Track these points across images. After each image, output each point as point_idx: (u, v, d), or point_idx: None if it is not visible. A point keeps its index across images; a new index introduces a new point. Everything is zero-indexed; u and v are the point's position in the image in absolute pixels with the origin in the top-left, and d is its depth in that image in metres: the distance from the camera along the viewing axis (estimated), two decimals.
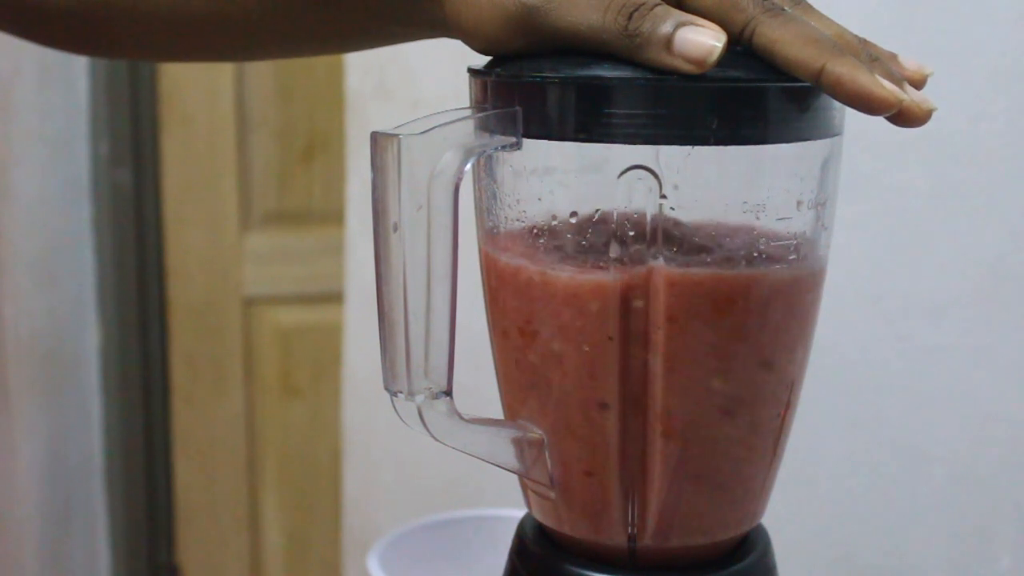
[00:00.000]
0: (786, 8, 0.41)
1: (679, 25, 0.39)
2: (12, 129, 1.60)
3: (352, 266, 1.23)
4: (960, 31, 0.81)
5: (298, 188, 1.84)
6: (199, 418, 1.88)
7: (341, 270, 1.27)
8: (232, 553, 1.92)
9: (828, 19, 0.42)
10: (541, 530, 0.49)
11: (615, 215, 0.42)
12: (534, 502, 0.48)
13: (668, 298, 0.42)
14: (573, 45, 0.41)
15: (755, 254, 0.43)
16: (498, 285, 0.46)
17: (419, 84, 1.12)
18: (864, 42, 0.43)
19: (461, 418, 0.44)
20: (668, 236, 0.42)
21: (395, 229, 0.41)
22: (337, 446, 1.34)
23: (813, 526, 0.90)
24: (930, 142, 0.82)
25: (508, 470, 0.46)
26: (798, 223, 0.44)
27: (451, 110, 0.42)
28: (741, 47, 0.41)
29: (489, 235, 0.46)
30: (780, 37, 0.40)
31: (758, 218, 0.43)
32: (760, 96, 0.41)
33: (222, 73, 1.79)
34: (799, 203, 0.44)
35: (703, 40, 0.39)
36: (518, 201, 0.45)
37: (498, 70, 0.44)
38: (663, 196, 0.42)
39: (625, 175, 0.42)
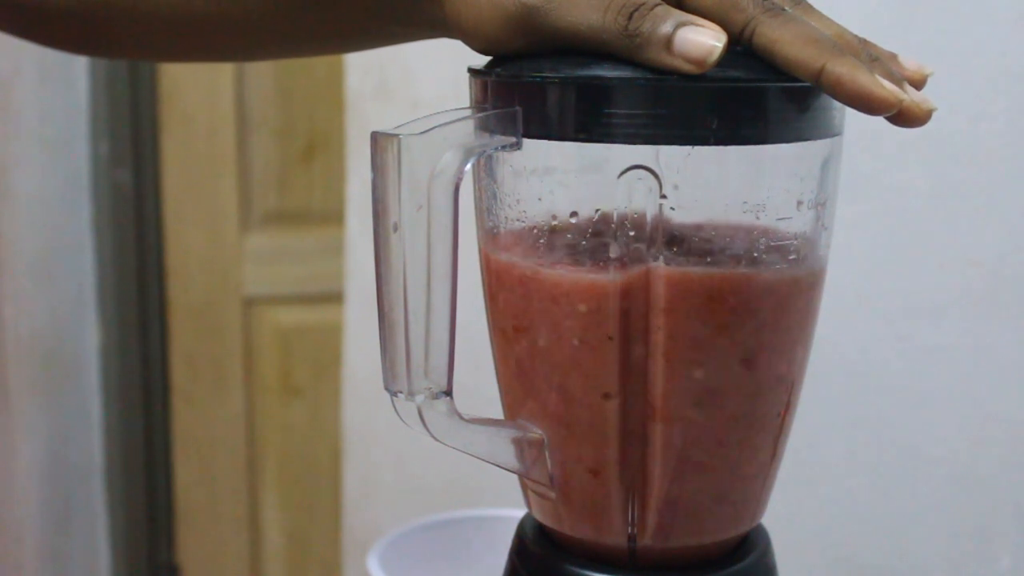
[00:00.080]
0: (786, 8, 0.41)
1: (679, 25, 0.39)
2: (12, 129, 1.60)
3: (352, 266, 1.23)
4: (960, 31, 0.81)
5: (298, 188, 1.84)
6: (199, 418, 1.88)
7: (341, 270, 1.27)
8: (232, 553, 1.92)
9: (828, 19, 0.42)
10: (541, 530, 0.49)
11: (615, 215, 0.42)
12: (534, 502, 0.48)
13: (668, 298, 0.42)
14: (573, 45, 0.41)
15: (755, 254, 0.43)
16: (498, 285, 0.46)
17: (419, 84, 1.12)
18: (864, 42, 0.43)
19: (461, 418, 0.44)
20: (668, 236, 0.42)
21: (395, 229, 0.41)
22: (337, 446, 1.34)
23: (813, 526, 0.90)
24: (930, 142, 0.82)
25: (508, 470, 0.46)
26: (798, 223, 0.44)
27: (451, 110, 0.42)
28: (741, 47, 0.41)
29: (489, 235, 0.46)
30: (780, 37, 0.40)
31: (758, 218, 0.43)
32: (760, 96, 0.41)
33: (222, 73, 1.79)
34: (799, 203, 0.44)
35: (703, 40, 0.39)
36: (518, 201, 0.45)
37: (498, 70, 0.44)
38: (663, 196, 0.42)
39: (625, 175, 0.42)
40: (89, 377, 1.79)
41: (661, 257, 0.42)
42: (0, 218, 1.58)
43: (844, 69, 0.39)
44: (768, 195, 0.43)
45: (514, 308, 0.45)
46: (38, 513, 1.69)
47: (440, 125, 0.41)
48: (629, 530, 0.45)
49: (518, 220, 0.45)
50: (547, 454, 0.46)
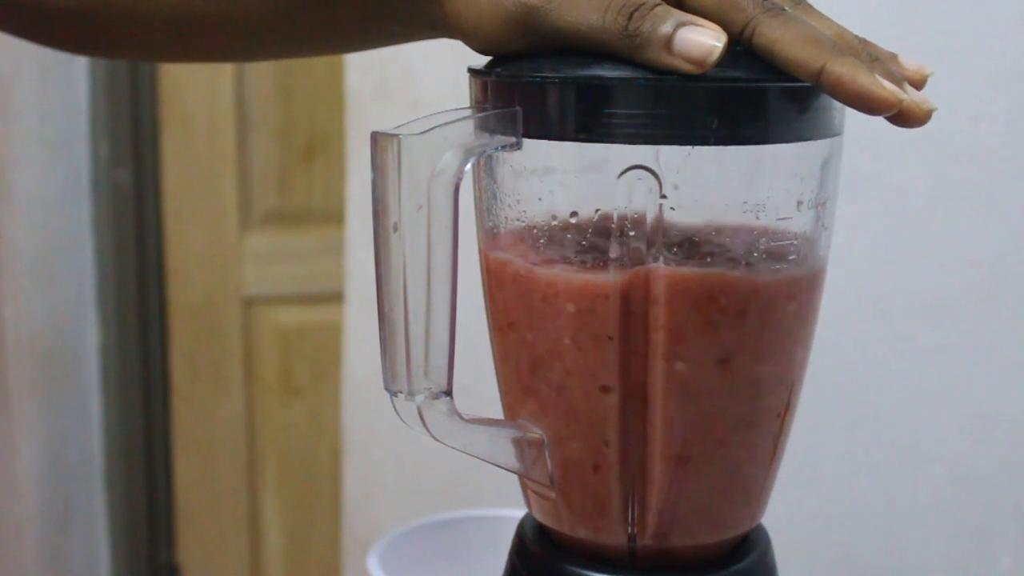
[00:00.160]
0: (786, 8, 0.41)
1: (679, 25, 0.39)
2: (12, 129, 1.60)
3: (352, 266, 1.23)
4: (960, 31, 0.81)
5: (298, 188, 1.84)
6: (199, 418, 1.88)
7: (341, 270, 1.27)
8: (232, 553, 1.92)
9: (828, 19, 0.42)
10: (541, 530, 0.49)
11: (615, 215, 0.42)
12: (534, 502, 0.48)
13: (668, 298, 0.42)
14: (573, 45, 0.41)
15: (755, 254, 0.43)
16: (497, 285, 0.46)
17: (419, 84, 1.12)
18: (864, 42, 0.43)
19: (461, 418, 0.44)
20: (668, 236, 0.42)
21: (395, 229, 0.41)
22: (337, 446, 1.34)
23: (813, 526, 0.90)
24: (930, 142, 0.82)
25: (508, 470, 0.46)
26: (798, 223, 0.44)
27: (451, 110, 0.42)
28: (741, 47, 0.41)
29: (489, 235, 0.46)
30: (780, 37, 0.40)
31: (758, 218, 0.43)
32: (760, 96, 0.41)
33: (222, 73, 1.79)
34: (799, 203, 0.44)
35: (703, 40, 0.39)
36: (518, 201, 0.45)
37: (498, 70, 0.44)
38: (663, 196, 0.42)
39: (625, 175, 0.42)
40: (89, 377, 1.79)
41: (661, 257, 0.42)
42: (0, 218, 1.58)
43: (844, 69, 0.39)
44: (768, 195, 0.43)
45: (514, 308, 0.45)
46: (38, 513, 1.69)
47: (440, 125, 0.41)
48: (629, 530, 0.45)
49: (518, 220, 0.45)
50: (547, 454, 0.46)
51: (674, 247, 0.42)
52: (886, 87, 0.39)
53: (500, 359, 0.47)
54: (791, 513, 0.89)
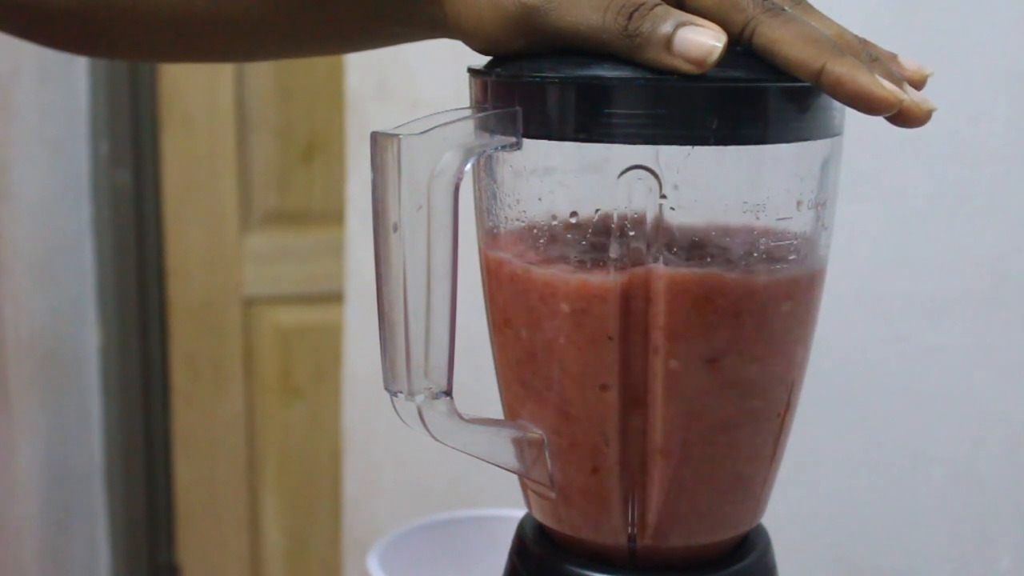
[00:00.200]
0: (786, 8, 0.41)
1: (679, 25, 0.39)
2: (12, 129, 1.60)
3: (352, 266, 1.23)
4: (960, 31, 0.81)
5: (298, 188, 1.84)
6: (199, 418, 1.88)
7: (341, 270, 1.27)
8: (232, 553, 1.92)
9: (828, 19, 0.42)
10: (541, 530, 0.49)
11: (615, 215, 0.42)
12: (534, 502, 0.48)
13: (668, 298, 0.42)
14: (573, 45, 0.41)
15: (755, 254, 0.43)
16: (498, 285, 0.46)
17: (419, 84, 1.12)
18: (864, 42, 0.43)
19: (461, 418, 0.44)
20: (668, 236, 0.42)
21: (395, 229, 0.41)
22: (337, 446, 1.34)
23: (813, 526, 0.90)
24: (930, 142, 0.82)
25: (508, 470, 0.46)
26: (798, 223, 0.44)
27: (451, 110, 0.42)
28: (741, 47, 0.41)
29: (489, 235, 0.46)
30: (780, 37, 0.40)
31: (758, 218, 0.43)
32: (760, 96, 0.41)
33: (222, 73, 1.79)
34: (799, 203, 0.44)
35: (703, 40, 0.39)
36: (518, 201, 0.45)
37: (498, 70, 0.44)
38: (663, 196, 0.42)
39: (625, 175, 0.42)
40: (89, 377, 1.79)
41: (661, 257, 0.42)
42: (0, 218, 1.58)
43: (844, 69, 0.39)
44: (768, 195, 0.43)
45: (514, 308, 0.45)
46: (38, 513, 1.69)
47: (440, 125, 0.41)
48: (629, 530, 0.45)
49: (518, 220, 0.45)
50: (547, 454, 0.46)
51: (674, 247, 0.42)
52: (886, 87, 0.39)
53: (500, 359, 0.47)
54: (791, 513, 0.89)
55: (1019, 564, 0.84)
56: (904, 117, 0.39)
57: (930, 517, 0.87)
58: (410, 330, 0.42)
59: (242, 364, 1.87)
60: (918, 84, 0.43)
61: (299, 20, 0.52)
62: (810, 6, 0.43)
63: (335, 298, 1.36)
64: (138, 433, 1.85)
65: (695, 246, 0.43)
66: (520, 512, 0.51)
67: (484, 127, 0.42)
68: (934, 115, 0.40)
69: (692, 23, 0.40)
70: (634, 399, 0.43)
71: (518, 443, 0.46)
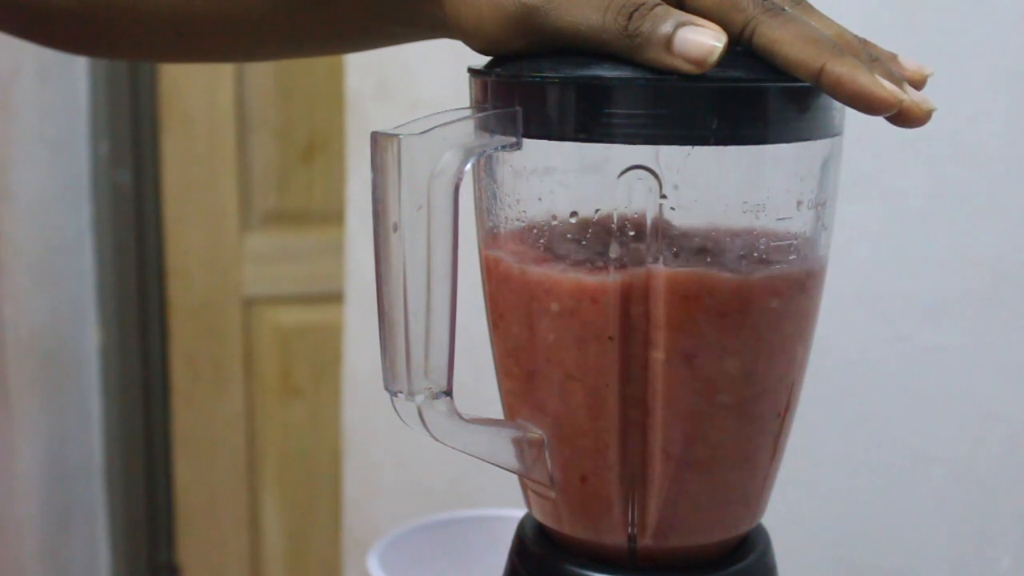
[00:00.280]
0: (786, 8, 0.41)
1: (679, 25, 0.39)
2: (12, 129, 1.60)
3: (352, 266, 1.23)
4: (960, 31, 0.81)
5: (298, 188, 1.84)
6: (199, 418, 1.88)
7: (341, 270, 1.27)
8: (232, 553, 1.92)
9: (828, 19, 0.42)
10: (541, 530, 0.49)
11: (615, 215, 0.42)
12: (534, 502, 0.48)
13: (668, 298, 0.42)
14: (573, 45, 0.41)
15: (755, 254, 0.43)
16: (498, 285, 0.46)
17: (419, 84, 1.12)
18: (864, 42, 0.43)
19: (461, 418, 0.44)
20: (668, 236, 0.42)
21: (395, 229, 0.41)
22: (337, 446, 1.34)
23: (813, 526, 0.90)
24: (930, 142, 0.82)
25: (508, 470, 0.46)
26: (798, 223, 0.44)
27: (451, 110, 0.42)
28: (741, 47, 0.41)
29: (489, 235, 0.46)
30: (780, 37, 0.40)
31: (758, 218, 0.43)
32: (760, 96, 0.41)
33: (222, 73, 1.79)
34: (799, 203, 0.44)
35: (703, 40, 0.39)
36: (518, 201, 0.45)
37: (498, 70, 0.44)
38: (663, 196, 0.42)
39: (625, 175, 0.42)
40: (89, 377, 1.79)
41: (661, 257, 0.42)
42: (0, 218, 1.58)
43: (844, 69, 0.39)
44: (768, 195, 0.43)
45: (514, 308, 0.45)
46: (38, 513, 1.69)
47: (440, 125, 0.41)
48: (629, 530, 0.45)
49: (518, 220, 0.45)
50: (547, 454, 0.46)
51: (674, 247, 0.42)
52: (886, 87, 0.39)
53: (500, 359, 0.47)
54: (791, 513, 0.89)
55: (1019, 564, 0.84)
56: (904, 117, 0.39)
57: (930, 517, 0.87)
58: (410, 330, 0.42)
59: (242, 364, 1.87)
60: (918, 84, 0.43)
61: (299, 20, 0.52)
62: (810, 6, 0.43)
63: (335, 298, 1.36)
64: (138, 433, 1.85)
65: (695, 246, 0.43)
66: (520, 512, 0.51)
67: (484, 127, 0.42)
68: (934, 115, 0.40)
69: (692, 23, 0.40)
70: (634, 399, 0.43)
71: (518, 443, 0.46)
